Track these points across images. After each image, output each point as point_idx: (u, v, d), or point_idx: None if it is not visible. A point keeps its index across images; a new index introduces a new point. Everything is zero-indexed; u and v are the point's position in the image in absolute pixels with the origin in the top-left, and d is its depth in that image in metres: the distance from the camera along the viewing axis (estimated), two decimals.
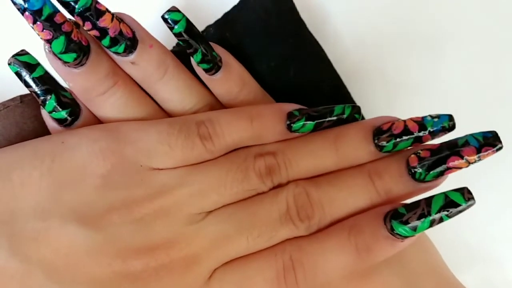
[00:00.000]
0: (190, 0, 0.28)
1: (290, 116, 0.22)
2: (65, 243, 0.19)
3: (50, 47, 0.18)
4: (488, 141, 0.19)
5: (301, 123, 0.22)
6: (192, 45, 0.21)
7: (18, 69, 0.19)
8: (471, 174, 0.24)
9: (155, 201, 0.20)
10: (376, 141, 0.21)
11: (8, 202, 0.19)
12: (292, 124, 0.22)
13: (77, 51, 0.19)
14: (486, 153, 0.19)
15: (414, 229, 0.19)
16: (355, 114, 0.22)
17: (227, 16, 0.26)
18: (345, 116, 0.22)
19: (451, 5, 0.30)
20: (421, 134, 0.21)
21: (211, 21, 0.25)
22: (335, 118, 0.22)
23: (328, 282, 0.21)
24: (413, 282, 0.22)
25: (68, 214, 0.19)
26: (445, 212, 0.19)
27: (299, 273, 0.20)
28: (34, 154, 0.19)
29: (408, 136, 0.21)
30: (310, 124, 0.22)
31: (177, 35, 0.21)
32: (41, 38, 0.18)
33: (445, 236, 0.24)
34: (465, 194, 0.19)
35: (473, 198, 0.19)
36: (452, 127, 0.21)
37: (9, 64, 0.19)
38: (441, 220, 0.19)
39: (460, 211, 0.19)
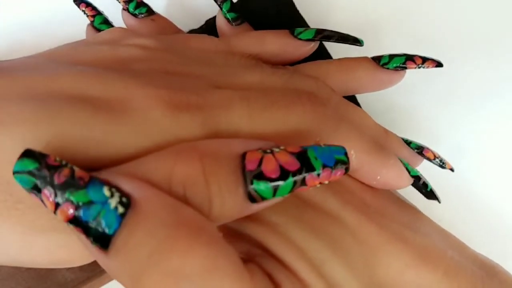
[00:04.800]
0: None
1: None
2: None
3: (93, 20, 0.26)
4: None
5: (302, 28, 0.24)
6: None
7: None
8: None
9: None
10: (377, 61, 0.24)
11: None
12: (294, 29, 0.24)
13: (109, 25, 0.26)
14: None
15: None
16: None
17: None
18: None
19: (451, 5, 0.30)
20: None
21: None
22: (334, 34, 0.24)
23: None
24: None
25: None
26: None
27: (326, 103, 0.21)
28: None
29: (401, 53, 0.24)
30: (312, 30, 0.24)
31: None
32: (87, 15, 0.25)
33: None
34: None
35: None
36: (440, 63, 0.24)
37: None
38: None
39: None
